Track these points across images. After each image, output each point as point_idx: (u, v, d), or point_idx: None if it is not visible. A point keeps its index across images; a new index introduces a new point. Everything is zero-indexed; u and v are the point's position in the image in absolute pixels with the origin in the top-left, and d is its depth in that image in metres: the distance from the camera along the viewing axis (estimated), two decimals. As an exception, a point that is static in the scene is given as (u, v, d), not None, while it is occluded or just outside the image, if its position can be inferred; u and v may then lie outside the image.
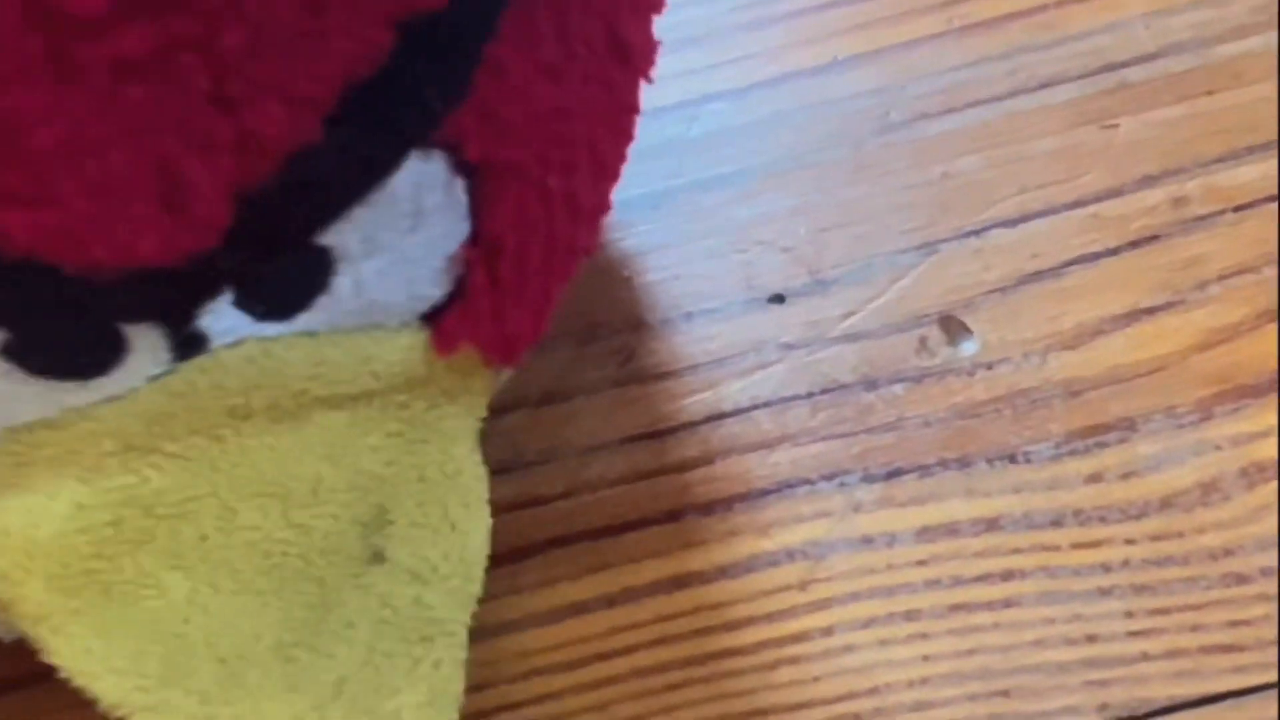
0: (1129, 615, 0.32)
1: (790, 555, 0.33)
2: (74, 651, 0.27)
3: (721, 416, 0.34)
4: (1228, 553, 0.32)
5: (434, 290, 0.28)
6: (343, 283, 0.26)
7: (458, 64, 0.25)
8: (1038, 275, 0.36)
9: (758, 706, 0.31)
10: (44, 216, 0.21)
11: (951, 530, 0.33)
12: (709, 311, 0.36)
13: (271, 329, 0.26)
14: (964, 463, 0.34)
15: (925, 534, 0.33)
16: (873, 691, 0.31)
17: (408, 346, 0.28)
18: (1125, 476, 0.33)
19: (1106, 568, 0.32)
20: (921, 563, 0.33)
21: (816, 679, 0.31)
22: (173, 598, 0.27)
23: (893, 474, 0.34)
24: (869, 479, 0.34)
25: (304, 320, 0.26)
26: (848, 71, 0.38)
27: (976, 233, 0.36)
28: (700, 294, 0.36)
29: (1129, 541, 0.32)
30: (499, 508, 0.30)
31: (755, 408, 0.35)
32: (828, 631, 0.32)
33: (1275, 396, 0.34)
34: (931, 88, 0.38)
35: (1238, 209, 0.36)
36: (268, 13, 0.22)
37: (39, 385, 0.25)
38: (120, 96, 0.21)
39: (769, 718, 0.31)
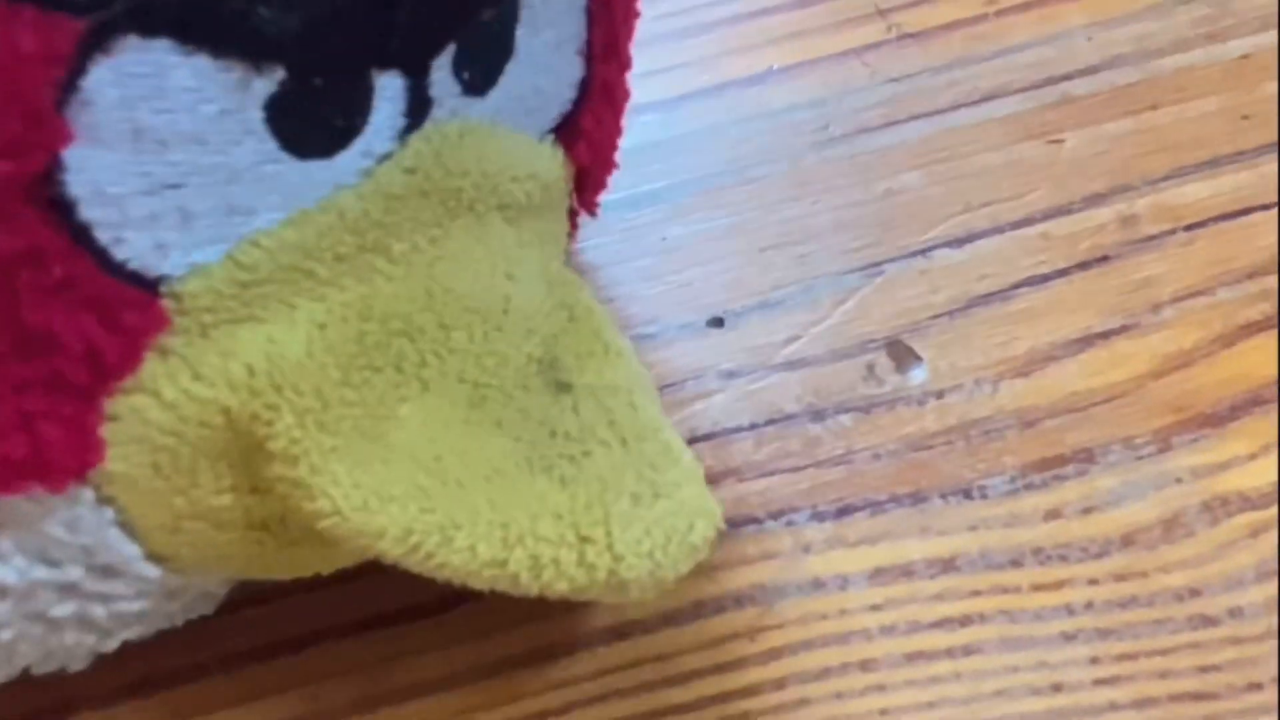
0: (1095, 661, 0.28)
1: (738, 601, 0.29)
2: (343, 490, 0.24)
3: None
4: (1194, 593, 0.29)
5: (569, 91, 0.28)
6: (521, 53, 0.26)
7: None
8: (986, 298, 0.33)
9: (707, 769, 0.28)
10: None
11: (906, 571, 0.30)
12: (643, 337, 0.33)
13: (472, 108, 0.26)
14: (917, 499, 0.30)
15: (879, 576, 0.29)
16: (829, 750, 0.28)
17: (551, 155, 0.28)
18: (1085, 512, 0.30)
19: (1070, 610, 0.29)
20: (876, 607, 0.29)
21: (770, 737, 0.28)
22: (412, 429, 0.25)
23: (843, 511, 0.30)
24: (818, 517, 0.30)
25: (492, 101, 0.26)
26: (784, 82, 0.36)
27: (922, 253, 0.33)
28: (633, 318, 0.33)
29: (1092, 582, 0.29)
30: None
31: (695, 440, 0.31)
32: (780, 684, 0.28)
33: (1234, 426, 0.31)
34: (871, 100, 0.36)
35: (1188, 228, 0.33)
36: None
37: (285, 168, 0.23)
38: None
39: (719, 781, 0.28)
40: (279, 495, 0.25)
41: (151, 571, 0.26)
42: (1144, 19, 0.36)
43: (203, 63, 0.21)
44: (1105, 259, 0.33)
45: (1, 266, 0.21)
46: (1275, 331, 0.32)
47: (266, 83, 0.22)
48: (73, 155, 0.21)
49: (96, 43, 0.20)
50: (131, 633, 0.28)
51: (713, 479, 0.31)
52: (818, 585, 0.29)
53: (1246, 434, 0.31)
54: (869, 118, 0.35)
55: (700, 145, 0.35)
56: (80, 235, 0.22)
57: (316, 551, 0.26)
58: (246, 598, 0.29)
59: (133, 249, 0.22)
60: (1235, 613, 0.29)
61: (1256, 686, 0.28)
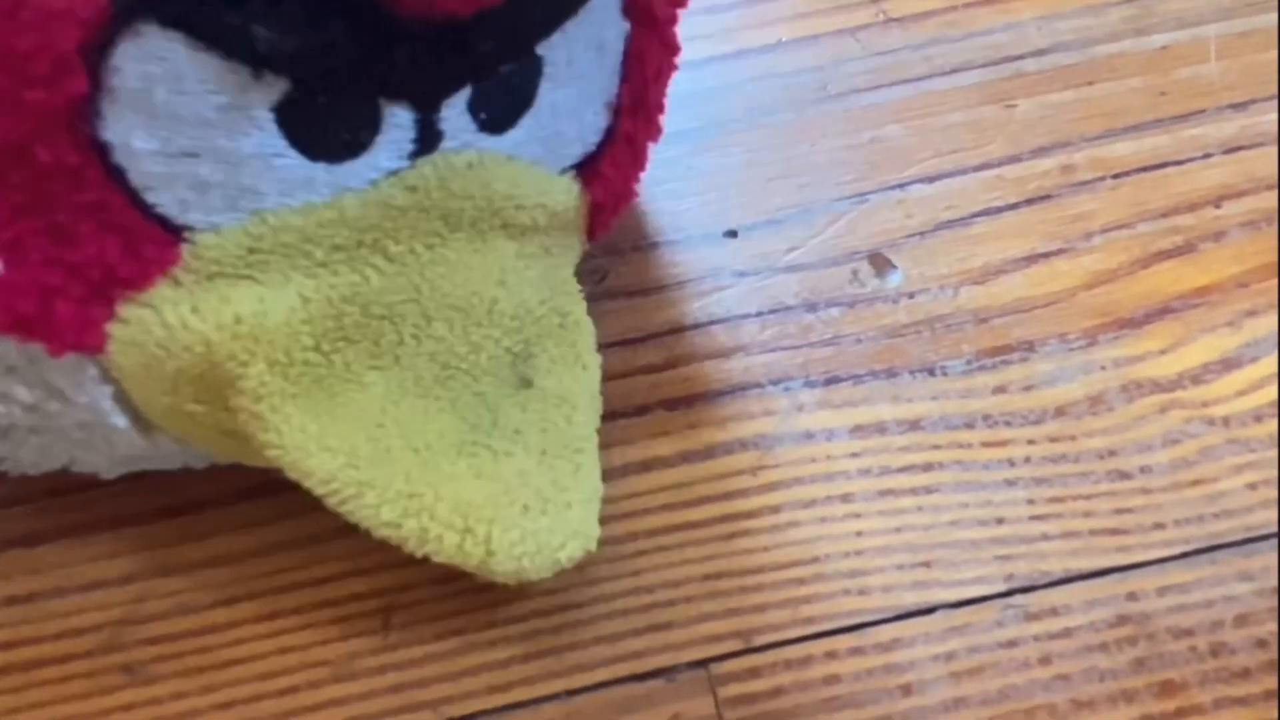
0: (1031, 502, 0.31)
1: (743, 445, 0.32)
2: (291, 429, 0.26)
3: (683, 329, 0.33)
4: (1112, 453, 0.32)
5: (593, 136, 0.28)
6: (543, 104, 0.26)
7: None
8: (951, 223, 0.35)
9: (715, 570, 0.30)
10: None
11: (880, 429, 0.32)
12: (673, 242, 0.35)
13: (486, 142, 0.26)
14: (891, 373, 0.33)
15: (858, 431, 0.32)
16: (814, 560, 0.30)
17: (567, 189, 0.28)
18: (1026, 389, 0.33)
19: (1011, 463, 0.32)
20: (855, 455, 0.32)
21: (766, 549, 0.30)
22: (371, 393, 0.26)
23: (830, 381, 0.33)
24: (810, 384, 0.33)
25: (510, 139, 0.26)
26: (791, 52, 0.38)
27: (900, 186, 0.36)
28: (665, 228, 0.35)
29: (1030, 442, 0.32)
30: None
31: (712, 323, 0.34)
32: (775, 510, 0.31)
33: (1148, 328, 0.33)
34: (862, 68, 0.38)
35: (1116, 176, 0.36)
36: None
37: (294, 165, 0.23)
38: None
39: (724, 579, 0.30)
40: (240, 420, 0.26)
41: (139, 440, 0.27)
42: (1083, 15, 0.38)
43: (213, 60, 0.22)
44: (1048, 197, 0.35)
45: (41, 171, 0.22)
46: (1184, 257, 0.34)
47: (272, 90, 0.22)
48: (107, 109, 0.22)
49: (122, 22, 0.21)
50: (145, 465, 0.29)
51: (725, 353, 0.33)
52: (808, 436, 0.32)
53: (1158, 335, 0.33)
54: (860, 81, 0.37)
55: (722, 98, 0.37)
56: (115, 174, 0.23)
57: None
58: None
59: (159, 198, 0.23)
60: (1145, 469, 0.31)
61: (1161, 526, 0.31)
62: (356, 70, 0.23)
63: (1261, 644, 0.29)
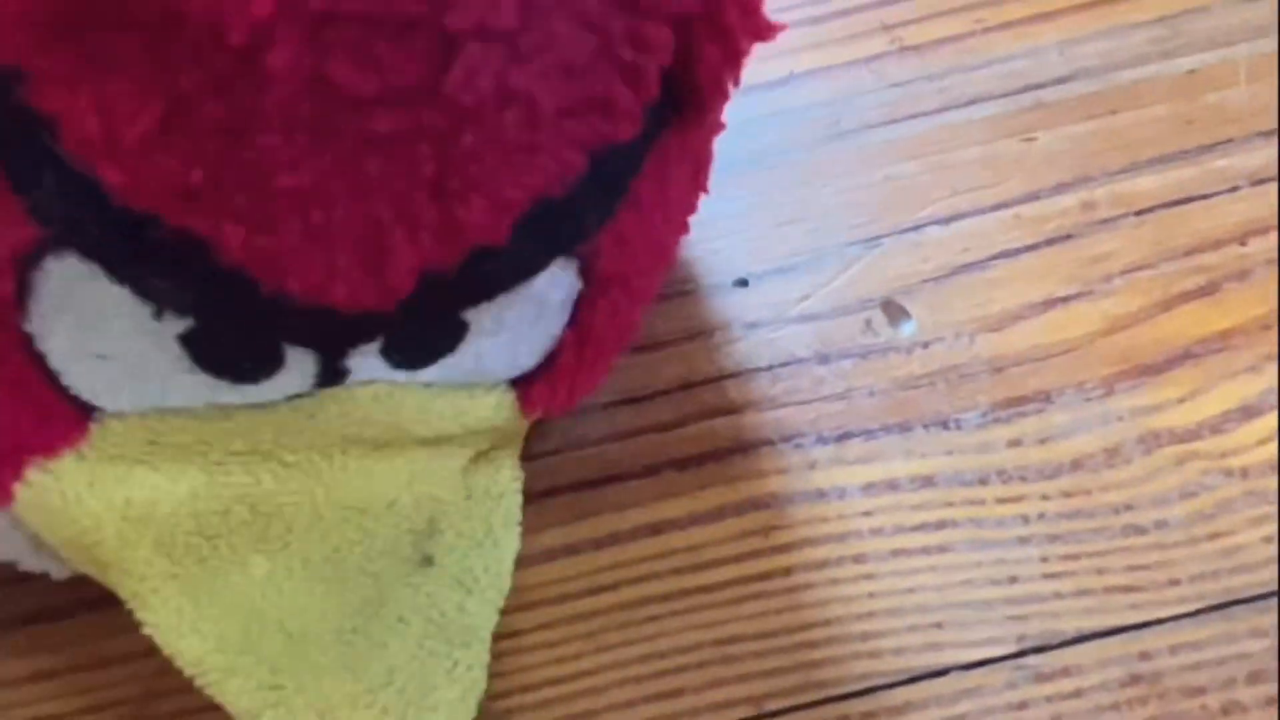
0: (1044, 560, 0.31)
1: (754, 505, 0.32)
2: (167, 610, 0.27)
3: (692, 385, 0.34)
4: (1128, 508, 0.32)
5: (529, 362, 0.28)
6: (467, 351, 0.26)
7: (614, 193, 0.25)
8: (967, 267, 0.35)
9: (727, 635, 0.31)
10: (259, 240, 0.21)
11: (893, 486, 0.32)
12: (682, 294, 0.35)
13: (399, 376, 0.26)
14: (904, 428, 0.33)
15: (870, 489, 0.32)
16: (826, 623, 0.31)
17: (495, 405, 0.28)
18: (1042, 442, 0.33)
19: (1025, 519, 0.32)
20: (867, 513, 0.32)
21: (778, 612, 0.31)
22: (254, 576, 0.27)
23: (842, 437, 0.33)
24: (822, 441, 0.33)
25: (425, 374, 0.26)
26: (802, 85, 0.38)
27: (914, 229, 0.36)
28: (674, 278, 0.35)
29: (1044, 498, 0.32)
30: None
31: (722, 378, 0.34)
32: (787, 572, 0.31)
33: (1168, 375, 0.33)
34: (876, 101, 0.37)
35: (1139, 213, 0.35)
36: (498, 122, 0.21)
37: (199, 378, 0.25)
38: (360, 164, 0.21)
39: (736, 645, 0.31)
40: (122, 593, 0.27)
41: (59, 570, 0.29)
42: (1107, 37, 0.38)
43: (125, 292, 0.23)
44: (1068, 237, 0.35)
45: None
46: (1207, 298, 0.34)
47: (178, 323, 0.24)
48: (33, 307, 0.24)
49: (49, 248, 0.23)
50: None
51: (736, 409, 0.33)
52: (820, 495, 0.32)
53: (1178, 382, 0.33)
54: (874, 116, 0.37)
55: (729, 137, 0.34)
56: (36, 359, 0.25)
57: None
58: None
59: (74, 382, 0.25)
60: (1161, 524, 0.32)
61: (1175, 582, 0.31)
62: (257, 321, 0.24)
63: (1273, 701, 0.30)
